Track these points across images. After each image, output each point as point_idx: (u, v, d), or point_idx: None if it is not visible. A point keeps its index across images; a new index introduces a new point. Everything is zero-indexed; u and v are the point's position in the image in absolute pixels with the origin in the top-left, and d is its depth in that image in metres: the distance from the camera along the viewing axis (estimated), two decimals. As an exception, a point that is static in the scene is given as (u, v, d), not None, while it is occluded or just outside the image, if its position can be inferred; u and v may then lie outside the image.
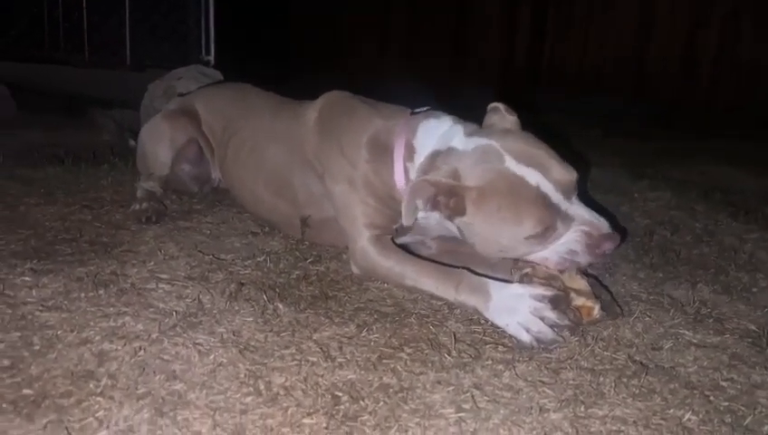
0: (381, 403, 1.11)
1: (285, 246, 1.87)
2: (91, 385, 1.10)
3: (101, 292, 1.47)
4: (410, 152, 1.63)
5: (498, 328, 1.40)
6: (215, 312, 1.41)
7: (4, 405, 1.04)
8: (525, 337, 1.34)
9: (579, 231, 1.41)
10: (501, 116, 1.59)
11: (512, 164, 1.42)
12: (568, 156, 1.49)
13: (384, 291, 1.61)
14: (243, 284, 1.57)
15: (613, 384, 1.21)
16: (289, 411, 1.07)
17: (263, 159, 1.98)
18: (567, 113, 4.87)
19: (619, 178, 3.03)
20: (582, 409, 1.13)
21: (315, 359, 1.24)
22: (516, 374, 1.23)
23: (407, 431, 1.04)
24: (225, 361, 1.21)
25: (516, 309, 1.37)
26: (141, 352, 1.21)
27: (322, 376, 1.18)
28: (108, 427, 0.99)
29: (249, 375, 1.17)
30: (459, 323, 1.44)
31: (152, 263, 1.66)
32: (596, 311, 1.40)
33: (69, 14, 5.19)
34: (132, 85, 3.89)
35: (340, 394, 1.13)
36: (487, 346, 1.34)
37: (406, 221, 1.49)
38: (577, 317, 1.39)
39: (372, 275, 1.66)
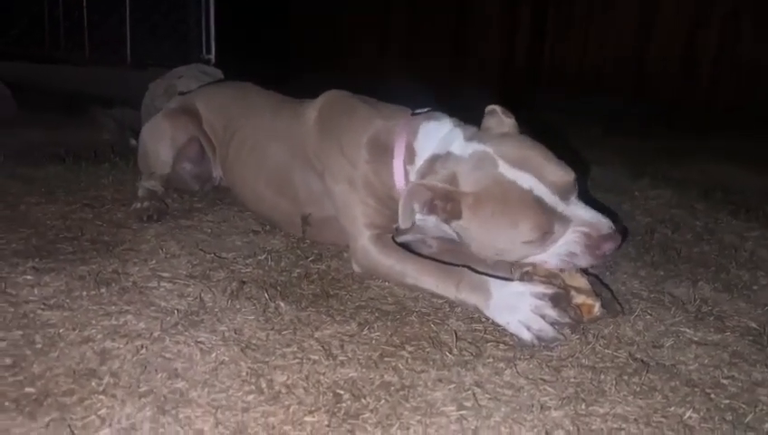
0: (383, 401, 1.11)
1: (286, 245, 1.87)
2: (94, 383, 1.10)
3: (103, 290, 1.47)
4: (411, 154, 1.63)
5: (499, 326, 1.41)
6: (216, 310, 1.42)
7: (6, 403, 1.04)
8: (526, 335, 1.34)
9: (577, 233, 1.41)
10: (498, 119, 1.59)
11: (505, 169, 1.42)
12: (567, 156, 1.49)
13: (385, 289, 1.61)
14: (244, 282, 1.57)
15: (614, 382, 1.21)
16: (291, 409, 1.07)
17: (264, 157, 1.99)
18: (567, 113, 4.87)
19: (619, 177, 3.03)
20: (583, 406, 1.13)
21: (317, 357, 1.24)
22: (517, 372, 1.23)
23: (408, 429, 1.04)
24: (226, 359, 1.21)
25: (517, 307, 1.37)
26: (143, 351, 1.22)
27: (324, 374, 1.18)
28: (110, 425, 1.00)
29: (251, 373, 1.17)
30: (460, 322, 1.45)
31: (154, 261, 1.67)
32: (596, 309, 1.40)
33: (69, 13, 5.18)
34: (133, 84, 3.88)
35: (342, 392, 1.13)
36: (488, 344, 1.34)
37: (403, 224, 1.50)
38: (577, 315, 1.39)
39: (373, 273, 1.67)
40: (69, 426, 0.99)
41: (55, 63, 5.11)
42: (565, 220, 1.41)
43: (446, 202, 1.46)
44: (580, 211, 1.43)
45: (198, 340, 1.27)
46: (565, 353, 1.32)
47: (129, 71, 5.08)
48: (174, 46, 5.26)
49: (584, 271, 1.48)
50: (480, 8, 7.15)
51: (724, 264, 1.92)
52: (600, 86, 6.23)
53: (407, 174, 1.63)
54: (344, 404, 1.09)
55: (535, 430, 1.06)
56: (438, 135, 1.60)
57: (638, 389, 1.20)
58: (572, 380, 1.22)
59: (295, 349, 1.27)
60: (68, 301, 1.40)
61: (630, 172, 3.15)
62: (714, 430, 1.09)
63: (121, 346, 1.23)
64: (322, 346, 1.28)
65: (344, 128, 1.77)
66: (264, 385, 1.13)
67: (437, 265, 1.58)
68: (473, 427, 1.05)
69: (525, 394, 1.16)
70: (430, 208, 1.48)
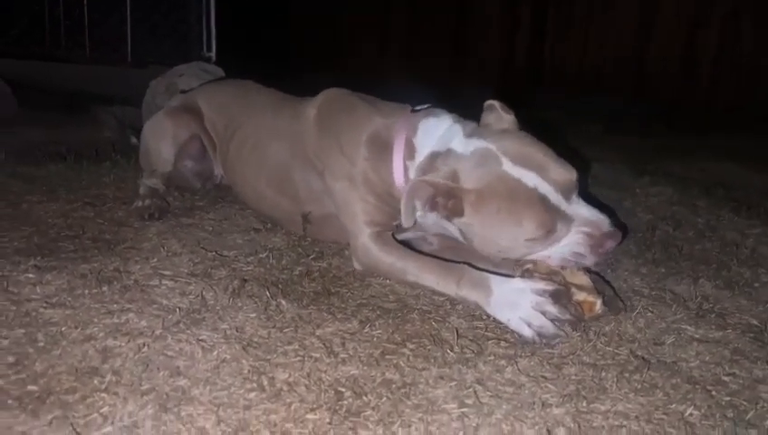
0: (384, 399, 1.11)
1: (288, 243, 1.88)
2: (96, 381, 1.10)
3: (105, 289, 1.47)
4: (410, 151, 1.63)
5: (500, 323, 1.41)
6: (218, 308, 1.42)
7: (9, 401, 1.04)
8: (527, 332, 1.35)
9: (581, 233, 1.41)
10: (497, 115, 1.59)
11: (509, 167, 1.43)
12: (567, 154, 1.49)
13: (386, 287, 1.62)
14: (246, 280, 1.58)
15: (615, 379, 1.21)
16: (292, 407, 1.07)
17: (264, 155, 1.99)
18: (567, 112, 4.87)
19: (620, 175, 3.03)
20: (585, 404, 1.13)
21: (318, 355, 1.24)
22: (519, 370, 1.23)
23: (409, 427, 1.04)
24: (228, 357, 1.21)
25: (518, 304, 1.37)
26: (145, 349, 1.22)
27: (325, 372, 1.19)
28: (112, 423, 1.00)
29: (252, 371, 1.17)
30: (461, 319, 1.45)
31: (155, 260, 1.67)
32: (598, 306, 1.40)
33: (70, 12, 5.18)
34: (134, 82, 3.88)
35: (343, 390, 1.13)
36: (489, 342, 1.35)
37: (405, 222, 1.50)
38: (579, 312, 1.39)
39: (374, 271, 1.67)
40: (71, 424, 0.99)
41: (56, 62, 5.10)
42: (568, 219, 1.42)
43: (448, 199, 1.46)
44: (581, 210, 1.43)
45: (200, 338, 1.27)
46: (566, 351, 1.32)
47: (130, 69, 5.08)
48: (175, 44, 5.26)
49: (586, 268, 1.48)
50: (480, 8, 7.15)
51: (726, 261, 1.92)
52: (600, 86, 6.23)
53: (406, 170, 1.63)
54: (346, 402, 1.10)
55: (536, 427, 1.06)
56: (438, 131, 1.60)
57: (640, 386, 1.20)
58: (574, 377, 1.22)
59: (297, 347, 1.27)
60: (70, 299, 1.41)
61: (631, 170, 3.15)
62: (715, 427, 1.09)
63: (123, 344, 1.23)
64: (324, 344, 1.29)
65: (343, 126, 1.77)
66: (265, 383, 1.14)
67: (438, 262, 1.58)
68: (474, 424, 1.06)
69: (526, 392, 1.16)
70: (432, 205, 1.48)
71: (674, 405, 1.14)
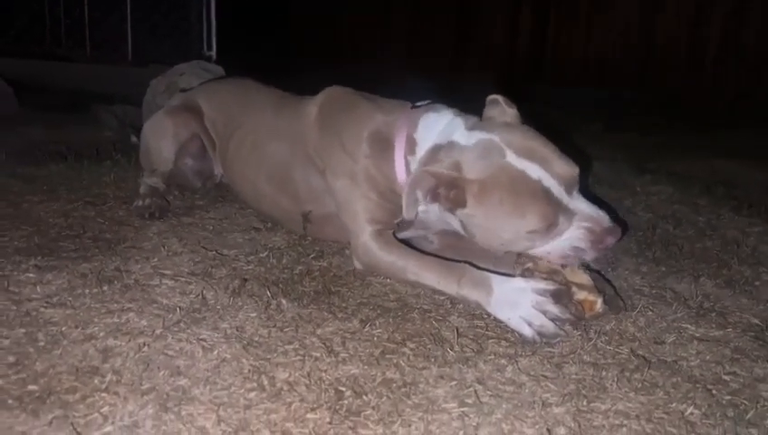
0: (384, 398, 1.11)
1: (288, 242, 1.88)
2: (96, 381, 1.10)
3: (105, 288, 1.47)
4: (411, 146, 1.63)
5: (500, 322, 1.41)
6: (218, 307, 1.42)
7: (9, 401, 1.04)
8: (527, 331, 1.34)
9: (582, 228, 1.41)
10: (501, 109, 1.59)
11: (513, 158, 1.42)
12: (569, 150, 1.49)
13: (387, 286, 1.62)
14: (246, 279, 1.58)
15: (616, 378, 1.21)
16: (293, 406, 1.07)
17: (264, 154, 1.98)
18: (569, 109, 4.86)
19: (621, 173, 3.03)
20: (585, 403, 1.13)
21: (318, 354, 1.24)
22: (519, 369, 1.23)
23: (410, 426, 1.04)
24: (228, 356, 1.21)
25: (518, 303, 1.37)
26: (145, 348, 1.22)
27: (326, 371, 1.19)
28: (113, 422, 1.00)
29: (253, 371, 1.17)
30: (462, 318, 1.45)
31: (156, 259, 1.67)
32: (598, 305, 1.40)
33: (70, 11, 5.18)
34: (134, 81, 3.88)
35: (344, 389, 1.13)
36: (490, 341, 1.34)
37: (406, 214, 1.50)
38: (579, 312, 1.39)
39: (375, 270, 1.67)
40: (71, 423, 0.99)
41: (56, 61, 5.11)
42: (569, 213, 1.41)
43: (450, 190, 1.45)
44: (582, 205, 1.43)
45: (200, 337, 1.27)
46: (567, 350, 1.32)
47: (131, 68, 5.08)
48: (175, 43, 5.26)
49: (587, 267, 1.48)
50: (482, 4, 7.15)
51: (726, 260, 1.92)
52: (604, 76, 6.22)
53: (408, 165, 1.63)
54: (346, 401, 1.10)
55: (536, 426, 1.06)
56: (439, 125, 1.60)
57: (640, 385, 1.20)
58: (574, 376, 1.22)
59: (297, 346, 1.27)
60: (70, 299, 1.41)
61: (632, 168, 3.15)
62: (715, 427, 1.09)
63: (124, 344, 1.23)
64: (324, 343, 1.29)
65: (345, 123, 1.77)
66: (265, 382, 1.14)
67: (439, 261, 1.58)
68: (474, 424, 1.06)
69: (527, 391, 1.16)
70: (434, 196, 1.47)
71: (674, 404, 1.14)
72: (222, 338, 1.28)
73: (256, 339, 1.29)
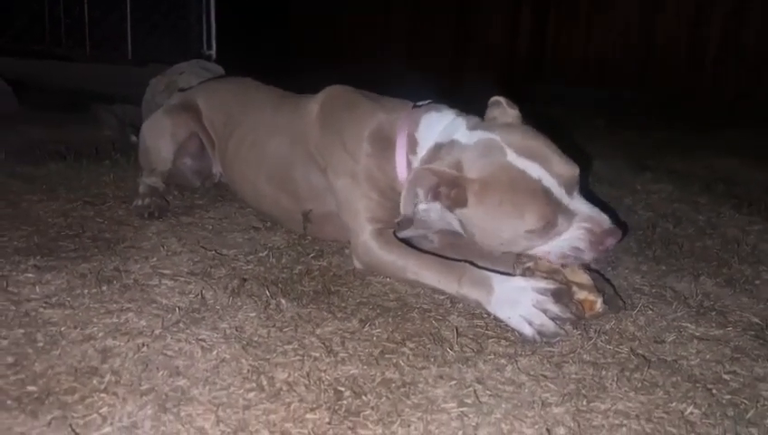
0: (384, 398, 1.11)
1: (287, 241, 1.87)
2: (95, 381, 1.10)
3: (104, 288, 1.47)
4: (413, 145, 1.63)
5: (500, 322, 1.41)
6: (217, 307, 1.42)
7: (8, 402, 1.04)
8: (528, 330, 1.34)
9: (581, 228, 1.41)
10: (502, 110, 1.59)
11: (514, 158, 1.42)
12: (569, 149, 1.48)
13: (386, 285, 1.61)
14: (245, 279, 1.57)
15: (615, 378, 1.21)
16: (292, 407, 1.07)
17: (264, 153, 1.98)
18: (569, 108, 4.86)
19: (621, 171, 3.03)
20: (585, 402, 1.13)
21: (318, 354, 1.24)
22: (519, 368, 1.23)
23: (409, 426, 1.04)
24: (228, 356, 1.21)
25: (519, 302, 1.37)
26: (144, 349, 1.22)
27: (325, 371, 1.18)
28: (111, 423, 1.00)
29: (252, 371, 1.17)
30: (462, 318, 1.44)
31: (155, 259, 1.67)
32: (598, 305, 1.40)
33: (70, 10, 5.17)
34: (134, 80, 3.88)
35: (343, 389, 1.13)
36: (490, 340, 1.34)
37: (404, 210, 1.50)
38: (579, 311, 1.39)
39: (374, 269, 1.67)
40: (70, 424, 0.99)
41: (56, 60, 5.10)
42: (569, 214, 1.41)
43: (452, 188, 1.46)
44: (582, 206, 1.43)
45: (200, 337, 1.27)
46: (566, 349, 1.32)
47: (131, 67, 5.07)
48: (175, 42, 5.25)
49: (586, 267, 1.48)
50: (482, 4, 7.14)
51: (727, 258, 1.92)
52: (604, 76, 6.22)
53: (409, 165, 1.63)
54: (345, 401, 1.09)
55: (536, 426, 1.06)
56: (440, 125, 1.60)
57: (640, 385, 1.20)
58: (574, 376, 1.22)
59: (296, 346, 1.27)
60: (69, 299, 1.41)
61: (632, 166, 3.15)
62: (715, 426, 1.09)
63: (122, 344, 1.23)
64: (323, 343, 1.28)
65: (346, 122, 1.77)
66: (265, 383, 1.13)
67: (439, 260, 1.58)
68: (473, 424, 1.05)
69: (526, 391, 1.16)
70: (435, 195, 1.47)
71: (674, 404, 1.14)
72: (221, 338, 1.28)
73: (255, 339, 1.29)
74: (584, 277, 1.43)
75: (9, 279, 1.48)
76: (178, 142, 2.20)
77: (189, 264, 1.66)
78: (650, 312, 1.51)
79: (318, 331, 1.34)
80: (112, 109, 3.52)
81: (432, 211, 1.59)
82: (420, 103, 1.73)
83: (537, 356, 1.28)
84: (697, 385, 1.21)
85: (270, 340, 1.29)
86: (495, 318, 1.42)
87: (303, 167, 1.85)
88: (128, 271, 1.58)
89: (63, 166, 2.53)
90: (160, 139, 2.21)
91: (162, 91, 3.30)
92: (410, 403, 1.10)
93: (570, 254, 1.43)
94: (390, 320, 1.41)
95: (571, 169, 1.43)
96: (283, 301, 1.46)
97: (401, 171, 1.64)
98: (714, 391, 1.19)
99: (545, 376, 1.21)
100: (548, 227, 1.41)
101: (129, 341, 1.24)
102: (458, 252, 1.68)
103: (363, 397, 1.11)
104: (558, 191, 1.40)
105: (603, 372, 1.23)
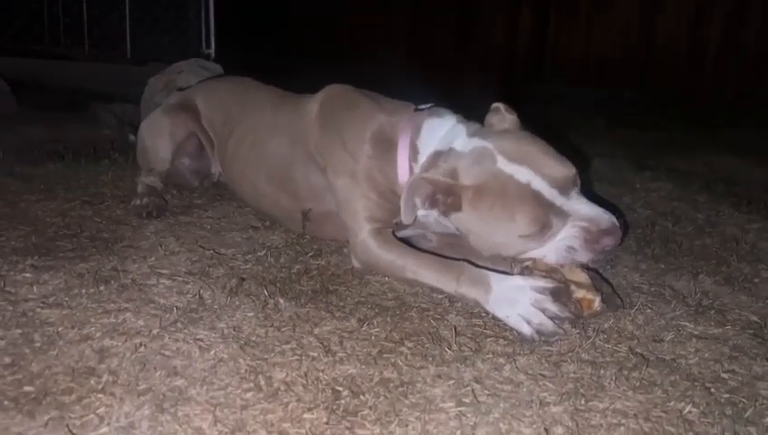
0: (382, 398, 1.11)
1: (286, 241, 1.87)
2: (92, 382, 1.10)
3: (102, 288, 1.47)
4: (414, 150, 1.64)
5: (499, 321, 1.40)
6: (215, 307, 1.41)
7: (5, 402, 1.04)
8: (526, 329, 1.34)
9: (576, 227, 1.41)
10: (501, 116, 1.61)
11: (503, 164, 1.44)
12: (567, 150, 1.48)
13: (385, 285, 1.61)
14: (243, 279, 1.57)
15: (614, 377, 1.21)
16: (289, 407, 1.07)
17: (264, 152, 1.98)
18: (570, 105, 4.86)
19: (620, 170, 3.03)
20: (583, 402, 1.13)
21: (316, 354, 1.24)
22: (517, 368, 1.23)
23: (407, 426, 1.04)
24: (225, 356, 1.21)
25: (517, 301, 1.37)
26: (142, 349, 1.21)
27: (323, 371, 1.18)
28: (109, 423, 1.00)
29: (250, 371, 1.17)
30: (460, 317, 1.44)
31: (153, 258, 1.67)
32: (596, 303, 1.39)
33: (69, 9, 5.16)
34: (133, 79, 3.88)
35: (341, 389, 1.13)
36: (488, 339, 1.34)
37: (405, 219, 1.52)
38: (578, 310, 1.38)
39: (373, 268, 1.66)
40: (67, 425, 0.99)
41: (55, 59, 5.10)
42: (563, 215, 1.41)
43: (447, 196, 1.48)
44: (579, 206, 1.43)
45: (197, 337, 1.27)
46: (565, 348, 1.31)
47: (130, 66, 5.07)
48: (174, 41, 5.25)
49: (584, 266, 1.47)
50: (482, 4, 7.14)
51: (726, 256, 1.92)
52: (604, 75, 6.21)
53: (411, 169, 1.64)
54: (343, 401, 1.09)
55: (534, 426, 1.05)
56: (441, 131, 1.62)
57: (638, 384, 1.19)
58: (572, 375, 1.22)
59: (294, 346, 1.27)
60: (67, 299, 1.40)
61: (632, 165, 3.14)
62: (713, 425, 1.08)
63: (120, 344, 1.23)
64: (321, 343, 1.28)
65: (346, 122, 1.77)
66: (262, 382, 1.13)
67: (438, 259, 1.58)
68: (471, 423, 1.05)
69: (524, 390, 1.16)
70: (432, 202, 1.50)
71: (672, 403, 1.14)
72: (219, 338, 1.28)
73: (253, 339, 1.29)
74: (582, 276, 1.42)
75: (6, 279, 1.48)
76: (177, 142, 2.19)
77: (187, 263, 1.65)
78: (649, 310, 1.51)
79: (316, 330, 1.34)
80: (111, 108, 3.51)
81: (430, 216, 1.60)
82: (422, 107, 1.73)
83: (535, 355, 1.28)
84: (696, 384, 1.21)
85: (268, 339, 1.29)
86: (494, 317, 1.42)
87: (303, 166, 1.85)
88: (126, 271, 1.58)
89: (62, 165, 2.53)
90: (159, 138, 2.20)
91: (161, 90, 3.30)
92: (408, 403, 1.10)
93: (564, 253, 1.43)
94: (389, 319, 1.41)
95: (564, 170, 1.44)
96: (281, 300, 1.46)
97: (402, 175, 1.65)
98: (712, 390, 1.19)
99: (543, 375, 1.21)
100: (543, 230, 1.41)
101: (126, 341, 1.24)
102: (457, 251, 1.68)
103: (361, 397, 1.11)
104: (549, 193, 1.40)
105: (601, 371, 1.23)
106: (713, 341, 1.38)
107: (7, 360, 1.16)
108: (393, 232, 1.70)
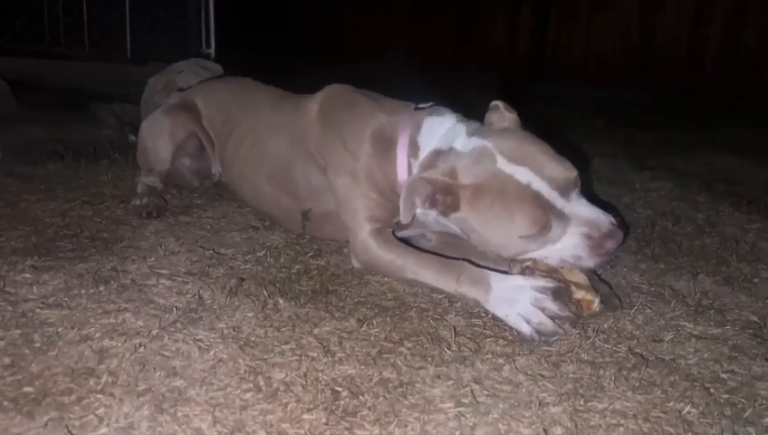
0: (381, 398, 1.11)
1: (286, 241, 1.87)
2: (92, 382, 1.10)
3: (102, 288, 1.47)
4: (414, 149, 1.63)
5: (499, 321, 1.40)
6: (215, 307, 1.42)
7: (5, 403, 1.04)
8: (526, 329, 1.34)
9: (579, 234, 1.40)
10: (500, 114, 1.60)
11: (503, 164, 1.43)
12: (567, 150, 1.48)
13: (385, 285, 1.61)
14: (243, 279, 1.57)
15: (613, 377, 1.21)
16: (289, 407, 1.07)
17: (264, 152, 1.98)
18: (570, 105, 4.85)
19: (620, 170, 3.02)
20: (582, 402, 1.13)
21: (315, 354, 1.24)
22: (516, 368, 1.23)
23: (406, 426, 1.04)
24: (225, 356, 1.21)
25: (517, 300, 1.37)
26: (141, 349, 1.21)
27: (322, 371, 1.18)
28: (108, 424, 1.00)
29: (249, 371, 1.17)
30: (459, 317, 1.44)
31: (153, 258, 1.67)
32: (596, 304, 1.39)
33: (69, 9, 5.16)
34: (133, 79, 3.88)
35: (340, 389, 1.13)
36: (487, 340, 1.34)
37: (404, 219, 1.51)
38: (578, 310, 1.38)
39: (373, 268, 1.66)
40: (67, 425, 0.99)
41: (55, 59, 5.10)
42: (564, 217, 1.41)
43: (446, 195, 1.47)
44: (580, 208, 1.42)
45: (197, 338, 1.27)
46: (564, 348, 1.31)
47: (130, 66, 5.07)
48: (174, 41, 5.25)
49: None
50: (482, 5, 7.13)
51: (725, 256, 1.92)
52: (604, 75, 6.21)
53: (410, 169, 1.63)
54: (342, 402, 1.09)
55: (533, 426, 1.05)
56: (441, 130, 1.61)
57: (638, 384, 1.19)
58: (571, 375, 1.22)
59: (294, 346, 1.27)
60: (67, 299, 1.40)
61: (632, 164, 3.14)
62: (713, 425, 1.08)
63: (120, 345, 1.23)
64: (321, 343, 1.28)
65: (346, 121, 1.77)
66: (262, 383, 1.13)
67: (437, 258, 1.58)
68: (470, 424, 1.05)
69: (524, 390, 1.16)
70: (431, 202, 1.49)
71: (672, 403, 1.14)
72: (218, 338, 1.28)
73: (253, 339, 1.29)
74: (581, 277, 1.42)
75: (6, 279, 1.48)
76: (177, 142, 2.19)
77: (187, 263, 1.65)
78: (648, 310, 1.51)
79: (315, 330, 1.34)
80: (111, 108, 3.51)
81: (430, 215, 1.60)
82: (422, 106, 1.73)
83: (535, 355, 1.28)
84: (695, 384, 1.21)
85: (267, 340, 1.29)
86: (494, 317, 1.42)
87: (303, 166, 1.85)
88: (125, 271, 1.58)
89: (62, 165, 2.53)
90: (159, 138, 2.20)
91: (161, 90, 3.30)
92: (407, 403, 1.10)
93: (570, 261, 1.43)
94: (388, 319, 1.41)
95: (565, 172, 1.43)
96: (280, 300, 1.46)
97: (402, 174, 1.65)
98: (711, 390, 1.19)
99: (543, 375, 1.21)
100: (543, 231, 1.41)
101: (126, 341, 1.24)
102: (457, 251, 1.68)
103: (360, 397, 1.11)
104: (550, 194, 1.40)
105: (601, 372, 1.23)
106: (712, 341, 1.38)
107: (7, 360, 1.16)
108: (393, 232, 1.70)
